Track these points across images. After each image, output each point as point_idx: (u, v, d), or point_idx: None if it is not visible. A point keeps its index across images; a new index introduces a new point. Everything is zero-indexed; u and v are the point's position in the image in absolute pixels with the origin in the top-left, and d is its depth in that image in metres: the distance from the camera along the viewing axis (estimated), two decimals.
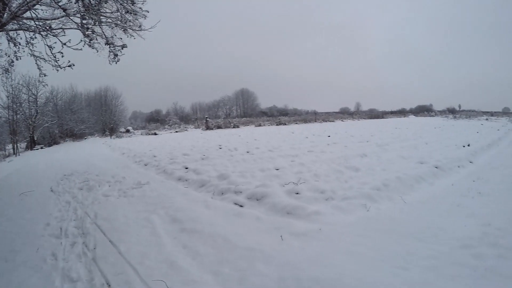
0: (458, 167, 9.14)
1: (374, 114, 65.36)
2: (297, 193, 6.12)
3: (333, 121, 48.99)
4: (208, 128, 37.80)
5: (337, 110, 77.98)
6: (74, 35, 7.55)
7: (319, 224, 4.68)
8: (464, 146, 13.22)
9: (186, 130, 39.50)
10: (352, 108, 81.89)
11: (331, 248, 3.87)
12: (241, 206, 5.82)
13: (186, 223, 4.90)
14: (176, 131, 37.62)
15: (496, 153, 12.86)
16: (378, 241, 4.09)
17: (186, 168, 9.66)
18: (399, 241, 4.10)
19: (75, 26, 7.56)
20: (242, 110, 74.49)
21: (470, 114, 58.40)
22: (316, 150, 12.63)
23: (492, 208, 5.44)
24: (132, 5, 7.69)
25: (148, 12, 7.99)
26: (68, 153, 19.32)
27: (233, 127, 39.04)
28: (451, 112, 68.44)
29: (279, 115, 62.33)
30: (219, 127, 38.68)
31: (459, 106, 74.07)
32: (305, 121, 47.71)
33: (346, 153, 11.45)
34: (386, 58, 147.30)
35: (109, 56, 8.26)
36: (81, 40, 7.57)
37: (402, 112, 75.14)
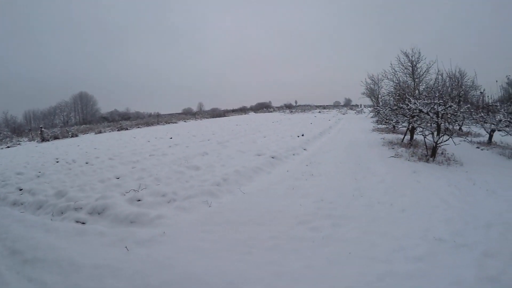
0: (293, 155, 10.91)
1: (216, 113, 69.31)
2: (139, 200, 6.31)
3: (176, 123, 49.70)
4: (44, 139, 33.59)
5: (180, 111, 79.83)
6: None
7: (163, 227, 4.95)
8: (298, 136, 15.75)
9: (19, 144, 33.81)
10: (195, 108, 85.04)
11: (177, 249, 4.17)
12: (83, 223, 5.71)
13: (27, 253, 4.53)
14: (8, 147, 31.64)
15: (326, 139, 15.94)
16: (222, 233, 4.61)
17: (21, 189, 8.82)
18: (241, 229, 4.71)
19: None
20: (81, 117, 67.38)
21: (305, 108, 68.92)
22: (158, 153, 12.95)
23: (323, 186, 6.82)
24: None
25: None
26: None
27: (72, 136, 35.77)
28: (288, 107, 79.29)
29: (121, 120, 59.56)
30: (56, 137, 34.80)
31: (296, 102, 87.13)
32: (148, 124, 47.02)
33: (187, 153, 12.04)
34: (227, 59, 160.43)
35: None
36: None
37: (243, 110, 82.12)
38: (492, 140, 13.17)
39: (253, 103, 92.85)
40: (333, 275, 3.35)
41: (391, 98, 16.47)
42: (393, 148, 11.68)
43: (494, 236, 4.25)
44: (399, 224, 4.71)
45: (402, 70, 28.38)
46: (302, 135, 16.01)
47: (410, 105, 10.47)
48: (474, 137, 15.38)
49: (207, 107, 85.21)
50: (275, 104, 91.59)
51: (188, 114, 68.79)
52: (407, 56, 28.19)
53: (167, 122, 50.27)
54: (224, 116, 65.31)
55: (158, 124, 48.11)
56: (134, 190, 6.97)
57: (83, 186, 7.98)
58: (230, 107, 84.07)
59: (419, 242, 4.06)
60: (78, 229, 5.36)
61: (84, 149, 18.37)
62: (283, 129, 21.96)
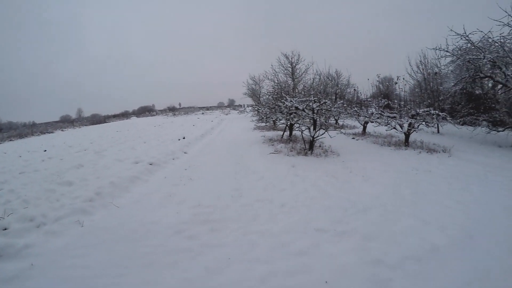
0: (173, 159, 10.58)
1: (96, 120, 65.39)
2: (5, 229, 5.37)
3: (52, 132, 45.15)
4: None
5: (58, 119, 74.56)
6: None
7: (31, 258, 4.29)
8: (179, 140, 15.49)
9: None
10: (73, 115, 79.89)
11: (46, 283, 3.63)
12: None
13: None
14: None
15: (208, 141, 16.01)
16: (94, 256, 4.14)
17: None
18: (115, 248, 4.29)
19: None
20: None
21: (189, 110, 68.74)
22: (29, 170, 11.16)
23: (201, 190, 6.69)
24: None
25: None
26: None
27: None
28: (172, 110, 78.38)
29: None
30: None
31: (180, 104, 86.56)
32: (21, 136, 41.59)
33: (61, 167, 10.70)
34: (106, 61, 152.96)
35: None
36: None
37: (125, 115, 78.88)
38: (366, 131, 14.84)
39: (136, 107, 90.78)
40: (212, 286, 3.20)
41: (271, 97, 17.23)
42: (273, 145, 12.14)
43: (373, 219, 4.59)
44: (278, 220, 4.80)
45: (282, 71, 30.24)
46: (184, 138, 15.82)
47: (286, 103, 10.94)
48: (349, 129, 17.06)
49: (87, 113, 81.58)
50: (158, 107, 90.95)
51: (66, 122, 64.09)
52: (287, 57, 30.16)
53: (42, 133, 45.66)
54: (105, 122, 62.04)
55: (32, 135, 43.42)
56: None
57: None
58: (112, 113, 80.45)
59: (300, 236, 4.16)
60: None
61: None
62: (165, 132, 21.47)
